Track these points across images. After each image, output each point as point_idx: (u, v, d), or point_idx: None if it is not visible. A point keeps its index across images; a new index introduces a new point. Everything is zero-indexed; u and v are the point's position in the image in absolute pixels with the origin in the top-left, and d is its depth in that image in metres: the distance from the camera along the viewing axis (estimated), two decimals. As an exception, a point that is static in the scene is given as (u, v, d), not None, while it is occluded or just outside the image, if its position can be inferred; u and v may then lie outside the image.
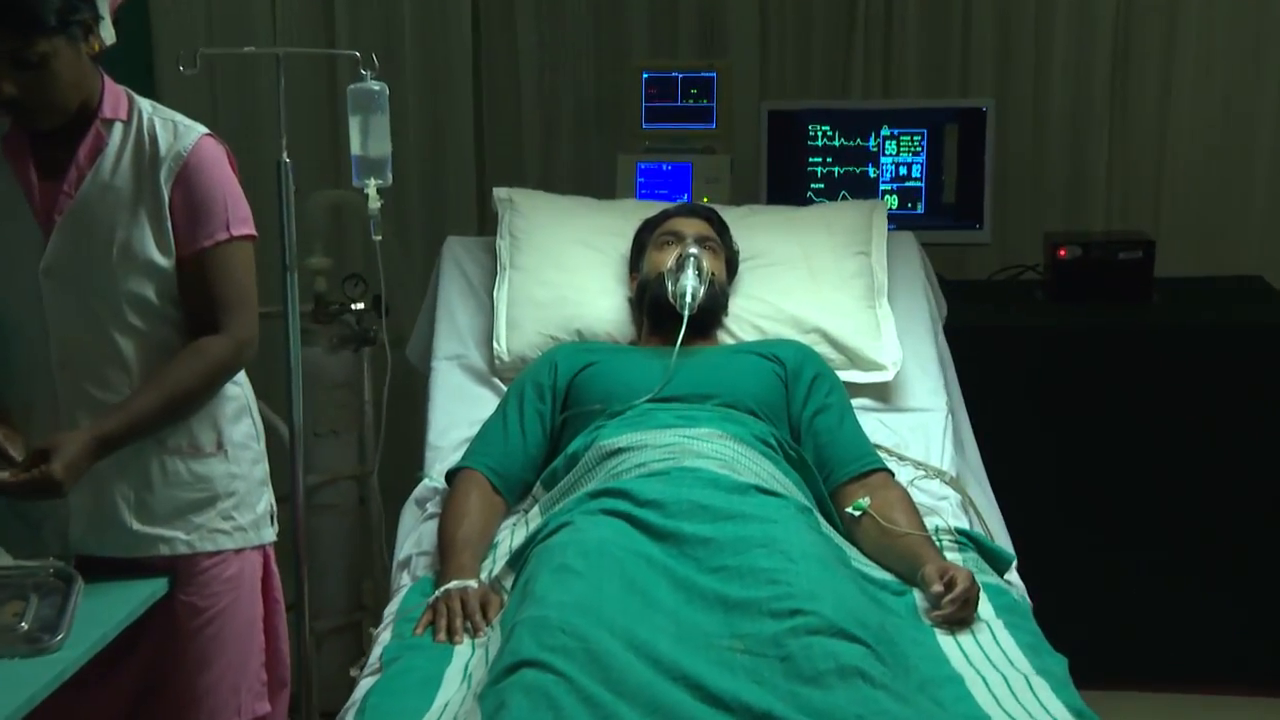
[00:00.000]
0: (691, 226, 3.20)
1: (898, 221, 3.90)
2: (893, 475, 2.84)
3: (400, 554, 2.86)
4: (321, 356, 3.70)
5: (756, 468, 2.68)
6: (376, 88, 2.87)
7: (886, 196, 3.98)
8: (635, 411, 2.84)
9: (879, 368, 3.22)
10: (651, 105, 3.96)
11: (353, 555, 3.77)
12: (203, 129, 2.56)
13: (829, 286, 3.31)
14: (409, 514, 2.98)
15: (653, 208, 3.38)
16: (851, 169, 4.00)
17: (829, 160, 4.00)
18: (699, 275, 3.04)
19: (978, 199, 3.98)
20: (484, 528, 2.73)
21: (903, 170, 4.00)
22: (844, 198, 3.96)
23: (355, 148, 2.89)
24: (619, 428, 2.79)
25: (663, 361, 2.92)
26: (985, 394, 3.46)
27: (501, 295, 3.33)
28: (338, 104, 4.28)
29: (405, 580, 2.75)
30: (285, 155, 2.84)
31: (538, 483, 2.86)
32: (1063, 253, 3.88)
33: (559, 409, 2.97)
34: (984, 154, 3.97)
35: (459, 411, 3.20)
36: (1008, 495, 3.18)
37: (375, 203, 2.89)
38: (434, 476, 3.00)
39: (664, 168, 3.91)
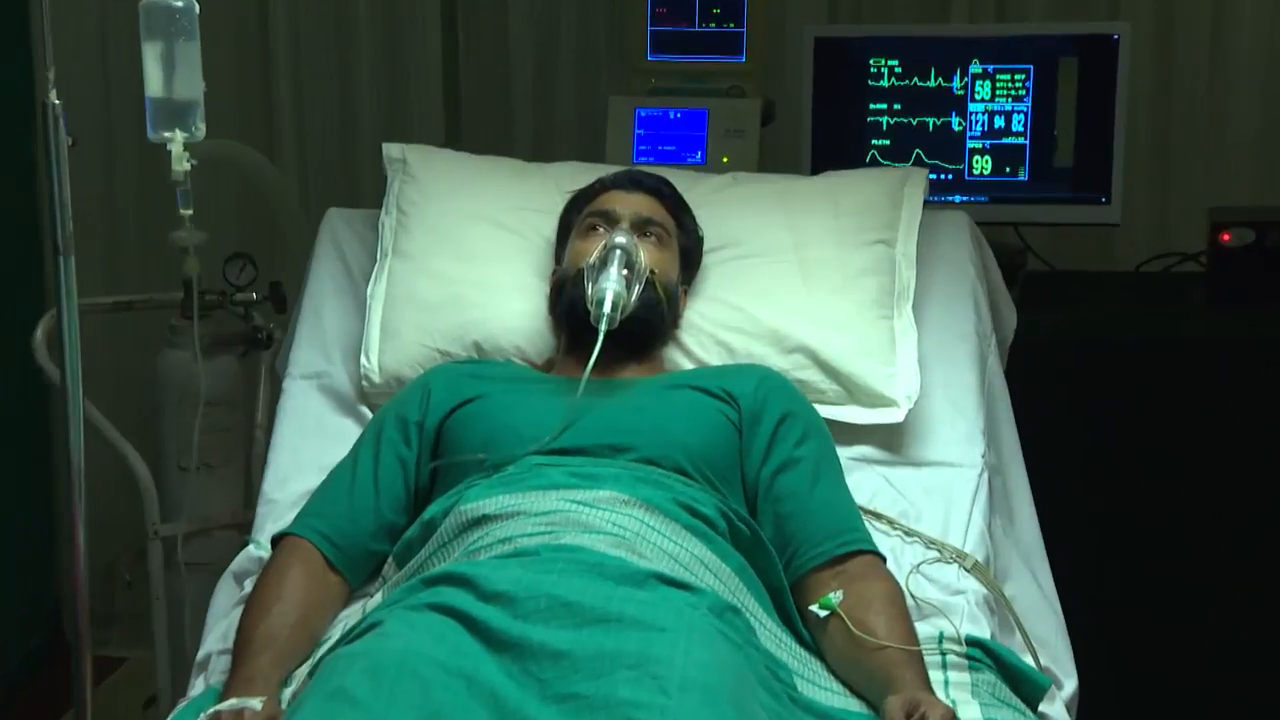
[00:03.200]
0: (630, 203, 3.00)
1: (992, 192, 3.79)
2: (882, 559, 2.63)
3: (201, 650, 2.69)
4: (191, 364, 3.54)
5: (673, 548, 2.47)
6: (179, 4, 2.70)
7: (976, 158, 3.80)
8: (520, 466, 2.64)
9: (887, 403, 3.00)
10: (660, 30, 3.83)
11: (237, 629, 3.62)
12: None
13: (826, 287, 3.11)
14: (223, 593, 2.85)
15: (595, 172, 3.19)
16: (928, 120, 3.81)
17: (897, 107, 3.80)
18: (629, 274, 2.84)
19: (1104, 162, 3.75)
20: (302, 619, 2.55)
21: (999, 122, 3.79)
22: (918, 159, 3.80)
23: (152, 87, 2.73)
24: (491, 488, 2.59)
25: (571, 398, 2.73)
26: (1080, 438, 3.40)
27: (377, 291, 3.17)
28: (268, 36, 4.33)
29: (199, 688, 2.57)
30: (54, 95, 2.63)
31: (390, 557, 2.67)
32: (1226, 237, 3.67)
33: (427, 455, 2.78)
34: (1114, 100, 3.74)
35: (309, 451, 3.04)
36: (1091, 590, 3.12)
37: (182, 165, 2.75)
38: (263, 543, 2.83)
39: (671, 115, 3.77)
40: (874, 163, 3.79)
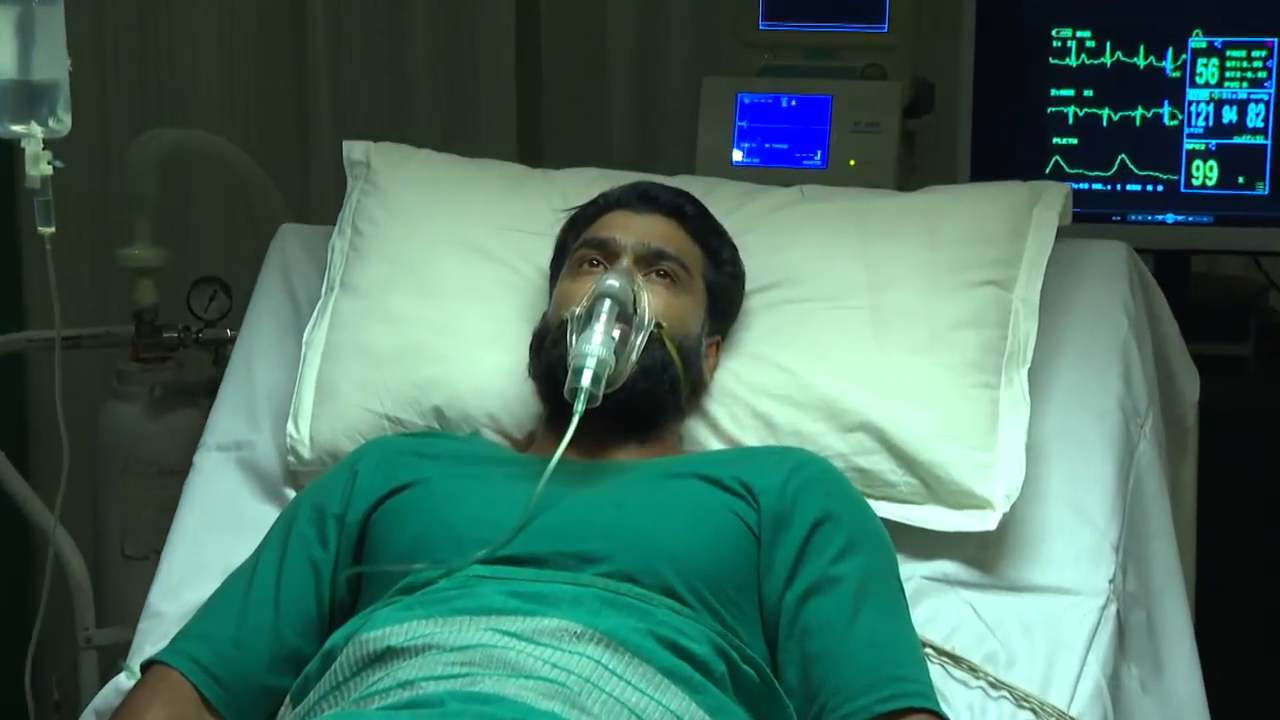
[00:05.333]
0: (636, 229, 2.87)
1: (1219, 209, 3.72)
2: (942, 720, 2.50)
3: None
4: (141, 421, 3.63)
5: (637, 700, 2.30)
6: (37, -40, 2.63)
7: (1197, 163, 3.71)
8: (452, 581, 2.49)
9: (979, 504, 2.81)
10: (775, -7, 3.78)
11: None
12: None
13: (905, 344, 2.94)
14: (82, 738, 2.75)
15: (617, 181, 3.06)
16: (1132, 113, 3.71)
17: (1088, 95, 3.73)
18: (626, 328, 2.71)
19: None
20: None
21: (1229, 115, 3.69)
22: (1125, 165, 3.71)
23: (2, 67, 2.66)
24: (406, 610, 2.45)
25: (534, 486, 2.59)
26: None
27: (315, 338, 3.09)
28: (303, 19, 4.41)
29: None
30: None
31: (288, 696, 2.54)
32: None
33: (347, 559, 2.66)
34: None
35: (214, 548, 2.93)
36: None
37: (41, 168, 2.67)
38: (136, 670, 2.69)
39: (784, 103, 3.70)
40: (1057, 170, 3.70)
